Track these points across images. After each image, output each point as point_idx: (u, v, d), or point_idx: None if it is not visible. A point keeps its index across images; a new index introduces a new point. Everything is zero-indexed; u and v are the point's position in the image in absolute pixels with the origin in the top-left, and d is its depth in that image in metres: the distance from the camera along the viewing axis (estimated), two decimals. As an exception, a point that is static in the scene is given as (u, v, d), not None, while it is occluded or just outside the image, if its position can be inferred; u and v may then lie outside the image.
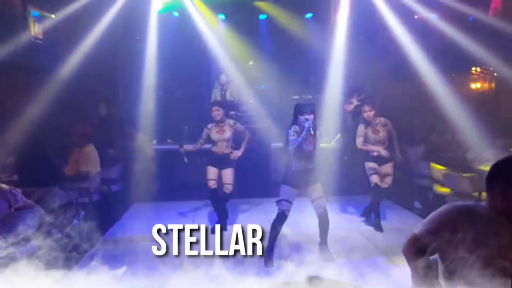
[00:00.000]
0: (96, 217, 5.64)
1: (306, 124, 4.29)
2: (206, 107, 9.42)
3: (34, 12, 7.04)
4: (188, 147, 5.80)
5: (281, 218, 4.45)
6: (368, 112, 5.70)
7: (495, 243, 1.83)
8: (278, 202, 4.51)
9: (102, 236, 5.46)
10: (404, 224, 5.82)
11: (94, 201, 5.64)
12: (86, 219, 5.48)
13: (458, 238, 1.88)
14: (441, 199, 5.64)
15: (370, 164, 5.71)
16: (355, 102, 8.56)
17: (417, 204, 6.71)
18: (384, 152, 5.66)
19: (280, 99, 10.41)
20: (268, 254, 4.39)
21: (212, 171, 5.65)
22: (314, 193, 4.54)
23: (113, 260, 4.55)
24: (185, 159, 5.86)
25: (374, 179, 5.66)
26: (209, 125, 5.66)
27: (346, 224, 5.88)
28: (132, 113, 8.00)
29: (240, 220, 6.18)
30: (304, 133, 4.29)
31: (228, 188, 5.65)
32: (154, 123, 8.76)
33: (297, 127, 4.43)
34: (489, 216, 1.91)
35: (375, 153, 5.69)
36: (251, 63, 11.61)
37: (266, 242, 4.43)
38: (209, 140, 5.65)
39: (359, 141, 5.74)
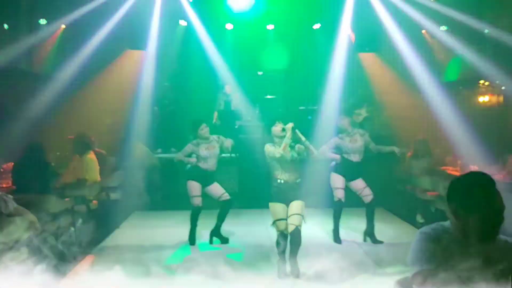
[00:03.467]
0: (94, 225, 5.65)
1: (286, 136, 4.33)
2: (211, 116, 9.50)
3: (40, 20, 7.16)
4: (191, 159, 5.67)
5: (282, 238, 4.35)
6: (345, 120, 5.65)
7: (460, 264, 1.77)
8: (273, 224, 4.41)
9: (99, 244, 5.46)
10: (406, 238, 5.71)
11: (92, 209, 5.63)
12: (84, 227, 5.48)
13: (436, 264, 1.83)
14: (443, 213, 5.52)
15: (337, 178, 5.62)
16: (363, 113, 8.50)
17: (419, 218, 6.58)
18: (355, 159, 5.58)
19: (287, 109, 10.40)
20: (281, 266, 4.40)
21: (197, 187, 5.54)
22: (292, 209, 4.37)
23: (108, 267, 4.54)
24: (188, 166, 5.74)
25: (338, 194, 5.59)
26: (195, 141, 5.54)
27: (345, 237, 5.78)
28: (137, 122, 8.02)
29: (242, 231, 6.10)
30: (282, 147, 4.31)
31: (227, 196, 5.62)
32: (159, 132, 8.81)
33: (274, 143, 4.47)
34: (452, 237, 1.88)
35: (334, 162, 5.64)
36: (260, 73, 11.63)
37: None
38: (193, 156, 5.55)
39: (322, 148, 5.51)
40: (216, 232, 5.63)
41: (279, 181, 4.40)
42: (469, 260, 1.75)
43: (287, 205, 4.40)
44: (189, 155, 5.56)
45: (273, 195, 4.42)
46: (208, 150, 5.53)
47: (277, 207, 4.37)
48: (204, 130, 5.52)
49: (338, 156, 5.62)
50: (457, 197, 1.89)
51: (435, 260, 1.82)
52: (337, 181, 5.64)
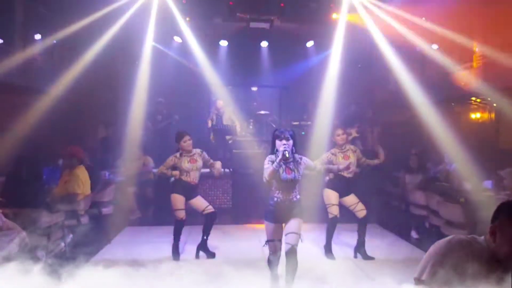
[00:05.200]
0: (85, 240, 5.56)
1: (281, 148, 3.95)
2: (204, 131, 9.51)
3: (35, 34, 7.18)
4: (174, 172, 5.62)
5: (273, 259, 4.15)
6: (342, 136, 5.61)
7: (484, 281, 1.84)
8: (266, 243, 4.18)
9: (90, 259, 5.36)
10: (400, 254, 5.68)
11: (83, 224, 5.55)
12: (74, 242, 5.39)
13: (458, 272, 1.87)
14: (437, 229, 5.52)
15: (331, 194, 5.60)
16: (354, 133, 8.55)
17: (413, 234, 6.57)
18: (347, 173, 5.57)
19: (279, 124, 10.45)
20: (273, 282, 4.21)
21: (181, 200, 5.49)
22: (289, 227, 4.09)
23: (98, 282, 4.44)
24: (172, 179, 5.71)
25: (334, 211, 5.56)
26: (177, 154, 5.49)
27: (339, 253, 5.74)
28: (133, 135, 8.00)
29: (233, 247, 6.05)
30: (279, 157, 3.91)
31: (211, 208, 5.57)
32: (152, 147, 8.79)
33: (273, 156, 4.04)
34: (485, 252, 1.92)
35: (327, 177, 5.63)
36: (254, 89, 11.72)
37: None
38: (175, 169, 5.48)
39: (316, 162, 5.26)
40: (202, 247, 5.59)
41: (275, 199, 4.11)
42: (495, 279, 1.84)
43: (283, 224, 4.16)
44: (174, 169, 5.52)
45: (268, 214, 4.14)
46: (191, 163, 5.48)
47: (270, 227, 4.13)
48: (187, 142, 5.45)
49: (336, 167, 5.57)
50: (502, 219, 1.92)
51: (460, 268, 1.86)
52: (332, 197, 5.61)
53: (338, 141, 5.62)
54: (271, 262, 4.16)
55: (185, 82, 9.81)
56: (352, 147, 5.77)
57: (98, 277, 4.49)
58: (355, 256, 5.64)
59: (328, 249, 5.65)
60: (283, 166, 3.98)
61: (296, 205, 4.11)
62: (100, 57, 7.03)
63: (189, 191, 5.52)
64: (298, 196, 4.13)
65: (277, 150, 4.02)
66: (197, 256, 5.58)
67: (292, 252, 4.03)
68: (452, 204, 5.18)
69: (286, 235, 4.11)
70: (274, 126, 9.62)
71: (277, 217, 4.09)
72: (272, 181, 4.03)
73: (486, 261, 1.87)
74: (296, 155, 4.11)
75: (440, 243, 1.99)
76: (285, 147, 3.94)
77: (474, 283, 1.82)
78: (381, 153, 5.77)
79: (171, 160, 5.48)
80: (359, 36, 8.99)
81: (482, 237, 1.98)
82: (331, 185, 5.65)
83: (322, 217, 6.19)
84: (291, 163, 4.03)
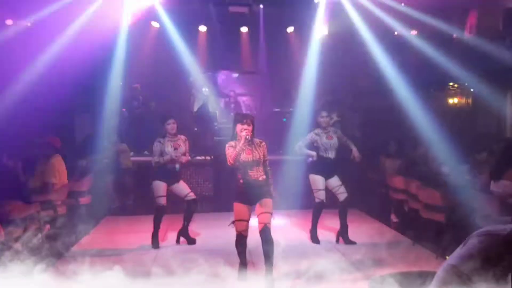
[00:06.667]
0: (63, 230, 5.44)
1: (243, 133, 4.15)
2: (184, 118, 9.39)
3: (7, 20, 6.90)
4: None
5: (239, 240, 4.27)
6: (326, 118, 5.68)
7: None
8: (233, 223, 4.28)
9: (68, 250, 5.26)
10: (381, 238, 5.74)
11: (60, 214, 5.42)
12: (52, 233, 5.27)
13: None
14: (415, 212, 5.59)
15: (317, 179, 5.62)
16: (335, 118, 8.57)
17: (393, 218, 6.66)
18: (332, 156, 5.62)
19: (261, 111, 10.40)
20: (241, 268, 4.36)
21: (163, 187, 5.44)
22: (260, 207, 4.25)
23: (77, 273, 4.36)
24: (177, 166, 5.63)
25: (320, 195, 5.60)
26: (161, 139, 5.43)
27: (323, 238, 5.78)
28: (110, 123, 7.83)
29: (214, 234, 6.01)
30: (242, 141, 4.15)
31: (193, 195, 5.57)
32: (130, 135, 8.64)
33: (232, 142, 4.28)
34: None
35: (311, 158, 5.68)
36: (235, 75, 11.59)
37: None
38: (162, 154, 5.40)
39: (297, 145, 5.67)
40: (183, 233, 5.56)
41: (240, 181, 4.28)
42: None
43: (252, 205, 4.30)
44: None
45: (236, 195, 4.29)
46: (174, 147, 5.42)
47: (238, 207, 4.26)
48: (171, 125, 5.41)
49: (314, 153, 5.63)
50: None
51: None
52: (318, 182, 5.63)
53: (321, 123, 5.66)
54: (239, 245, 4.30)
55: (163, 68, 9.62)
56: (333, 129, 5.86)
57: (77, 268, 4.43)
58: (337, 241, 5.70)
59: (313, 234, 5.70)
60: (244, 149, 4.22)
61: (263, 185, 4.30)
62: (75, 42, 6.82)
63: (171, 176, 5.46)
64: (263, 176, 4.32)
65: (237, 133, 4.27)
66: (177, 241, 5.57)
67: (265, 231, 4.16)
68: (431, 188, 5.24)
69: (258, 215, 4.25)
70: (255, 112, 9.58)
71: (245, 198, 4.25)
72: (236, 164, 4.23)
73: None
74: (256, 139, 4.35)
75: (493, 238, 1.76)
76: (246, 131, 4.16)
77: None
78: (354, 150, 5.78)
79: (156, 146, 5.41)
80: (340, 21, 8.94)
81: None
82: (315, 169, 5.68)
83: (307, 203, 6.23)
84: (252, 146, 4.26)
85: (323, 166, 5.64)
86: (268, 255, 4.13)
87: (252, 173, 4.26)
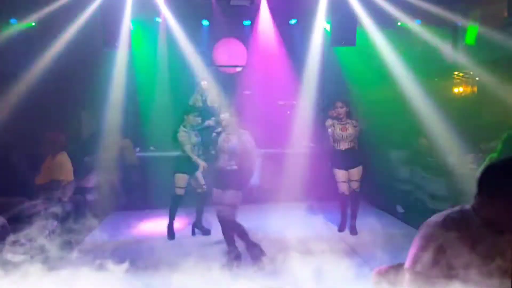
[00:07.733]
0: (70, 227, 5.49)
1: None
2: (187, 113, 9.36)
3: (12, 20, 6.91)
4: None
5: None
6: (339, 109, 5.58)
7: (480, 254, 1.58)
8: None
9: (76, 246, 5.31)
10: (387, 229, 5.75)
11: (67, 211, 5.47)
12: (58, 230, 5.31)
13: (446, 256, 1.64)
14: (422, 202, 5.58)
15: (337, 172, 5.65)
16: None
17: (399, 209, 6.65)
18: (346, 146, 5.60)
19: (265, 105, 10.36)
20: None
21: (185, 179, 5.60)
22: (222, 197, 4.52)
23: (85, 270, 4.40)
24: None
25: (342, 187, 5.61)
26: (185, 129, 5.59)
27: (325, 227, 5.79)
28: (114, 119, 7.84)
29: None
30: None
31: (205, 188, 5.67)
32: (136, 130, 8.64)
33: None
34: (474, 224, 1.65)
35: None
36: (238, 69, 11.55)
37: None
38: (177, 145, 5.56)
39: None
40: (198, 224, 5.62)
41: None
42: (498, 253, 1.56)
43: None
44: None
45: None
46: (197, 137, 5.53)
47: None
48: (197, 118, 5.62)
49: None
50: (493, 182, 1.67)
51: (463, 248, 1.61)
52: (339, 175, 5.67)
53: (337, 114, 5.58)
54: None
55: (167, 62, 9.61)
56: (353, 121, 5.67)
57: (86, 263, 4.48)
58: (340, 230, 5.69)
59: (343, 224, 5.76)
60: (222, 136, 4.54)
61: (230, 174, 4.43)
62: (78, 38, 6.82)
63: (193, 166, 5.51)
64: (234, 167, 4.47)
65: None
66: (193, 233, 5.65)
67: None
68: (436, 178, 5.23)
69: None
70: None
71: (217, 183, 4.56)
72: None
73: (479, 231, 1.60)
74: (241, 130, 4.55)
75: (431, 226, 1.77)
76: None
77: (476, 261, 1.56)
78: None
79: (183, 136, 5.47)
80: (343, 12, 8.86)
81: (468, 206, 1.74)
82: (334, 163, 5.69)
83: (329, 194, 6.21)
84: (231, 135, 4.49)
85: (338, 159, 5.63)
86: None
87: (223, 162, 4.56)
